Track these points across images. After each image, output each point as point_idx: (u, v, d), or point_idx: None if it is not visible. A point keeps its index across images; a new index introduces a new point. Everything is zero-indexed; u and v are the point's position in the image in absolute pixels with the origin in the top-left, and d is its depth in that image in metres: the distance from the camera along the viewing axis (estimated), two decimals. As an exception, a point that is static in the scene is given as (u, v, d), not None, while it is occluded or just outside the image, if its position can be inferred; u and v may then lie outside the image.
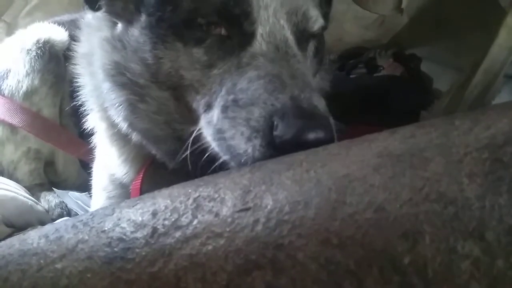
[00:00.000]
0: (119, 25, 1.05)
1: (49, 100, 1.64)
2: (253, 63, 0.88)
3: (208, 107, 0.92)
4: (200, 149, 0.93)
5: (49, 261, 0.78)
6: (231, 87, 0.88)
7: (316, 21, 0.99)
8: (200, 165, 0.93)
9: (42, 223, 1.45)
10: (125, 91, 1.03)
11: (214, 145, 0.90)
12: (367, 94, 1.81)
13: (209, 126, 0.91)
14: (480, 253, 0.46)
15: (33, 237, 0.86)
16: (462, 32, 1.69)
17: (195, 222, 0.68)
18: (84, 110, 1.22)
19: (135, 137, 1.08)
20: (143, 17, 0.99)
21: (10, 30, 2.01)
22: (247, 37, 0.91)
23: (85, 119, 1.25)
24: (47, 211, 1.62)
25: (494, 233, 0.46)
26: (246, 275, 0.59)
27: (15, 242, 0.88)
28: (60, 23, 1.73)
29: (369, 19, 1.81)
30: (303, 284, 0.54)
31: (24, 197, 1.53)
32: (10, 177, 1.65)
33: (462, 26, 1.67)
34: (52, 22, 1.76)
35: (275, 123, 0.80)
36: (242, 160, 0.85)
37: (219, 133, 0.88)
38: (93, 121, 1.24)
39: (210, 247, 0.64)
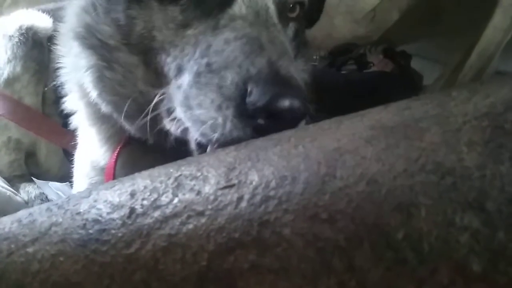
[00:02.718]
0: None
1: (32, 88, 1.59)
2: (231, 24, 0.84)
3: (179, 71, 0.87)
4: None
5: (20, 245, 0.74)
6: (206, 48, 0.83)
7: None
8: (171, 143, 0.89)
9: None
10: (94, 56, 0.99)
11: (182, 116, 0.84)
12: (357, 90, 1.80)
13: (178, 92, 0.85)
14: (480, 225, 0.43)
15: (5, 222, 0.81)
16: (453, 29, 1.68)
17: (175, 201, 0.64)
18: (64, 92, 1.18)
19: (104, 107, 1.03)
20: None
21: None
22: None
23: (64, 101, 1.21)
24: (27, 202, 1.57)
25: (495, 203, 0.43)
26: (229, 254, 0.55)
27: (-14, 228, 0.84)
28: (45, 11, 1.69)
29: (360, 13, 1.80)
30: (289, 262, 0.51)
31: (3, 187, 1.48)
32: (-11, 168, 1.60)
33: (452, 22, 1.66)
34: (36, 10, 1.71)
35: (249, 89, 0.74)
36: (210, 135, 0.79)
37: (187, 99, 0.82)
38: (72, 102, 1.20)
39: (190, 226, 0.60)
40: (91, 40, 0.98)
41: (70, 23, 1.06)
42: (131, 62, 0.95)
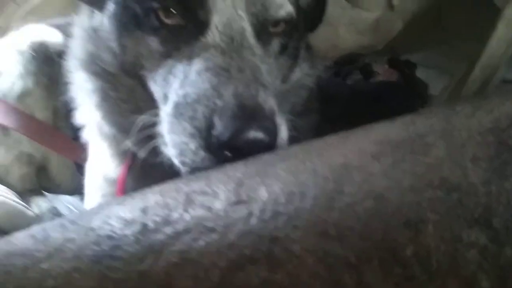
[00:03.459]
0: (96, 15, 1.05)
1: (43, 103, 1.61)
2: (203, 54, 0.86)
3: (165, 98, 0.90)
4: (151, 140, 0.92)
5: (35, 261, 0.75)
6: (183, 79, 0.86)
7: (280, 7, 0.94)
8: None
9: (31, 228, 1.41)
10: (98, 81, 1.04)
11: (166, 141, 0.88)
12: (363, 99, 1.81)
13: (164, 119, 0.89)
14: (487, 241, 0.44)
15: (19, 238, 0.83)
16: (457, 38, 1.69)
17: (186, 217, 0.65)
18: (74, 106, 1.21)
19: (108, 130, 1.08)
20: (111, 6, 0.99)
21: (2, 33, 1.99)
22: (201, 27, 0.88)
23: (75, 115, 1.24)
24: (38, 216, 1.58)
25: (502, 220, 0.43)
26: (240, 271, 0.56)
27: (1, 243, 0.85)
28: (55, 26, 1.72)
29: (364, 24, 1.81)
30: (300, 278, 0.51)
31: (14, 202, 1.50)
32: (1, 181, 1.61)
33: (457, 32, 1.67)
34: (46, 25, 1.74)
35: (215, 123, 0.78)
36: (185, 161, 0.84)
37: (170, 127, 0.86)
38: (82, 116, 1.23)
39: (202, 243, 0.61)
40: (95, 67, 1.04)
41: (75, 48, 1.12)
42: (131, 84, 1.01)
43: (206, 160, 0.81)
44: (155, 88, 0.94)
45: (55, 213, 1.63)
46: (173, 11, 0.89)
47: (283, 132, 0.85)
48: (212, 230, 0.61)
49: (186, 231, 0.64)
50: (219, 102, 0.79)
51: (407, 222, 0.48)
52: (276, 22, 0.96)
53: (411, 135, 0.55)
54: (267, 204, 0.58)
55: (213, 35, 0.87)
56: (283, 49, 0.99)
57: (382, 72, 2.02)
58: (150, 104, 0.96)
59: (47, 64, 1.61)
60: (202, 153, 0.81)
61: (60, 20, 1.76)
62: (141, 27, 0.92)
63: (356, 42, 1.98)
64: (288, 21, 0.97)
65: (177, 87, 0.87)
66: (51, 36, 1.65)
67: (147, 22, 0.91)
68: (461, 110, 0.54)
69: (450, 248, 0.44)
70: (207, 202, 0.65)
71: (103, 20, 1.01)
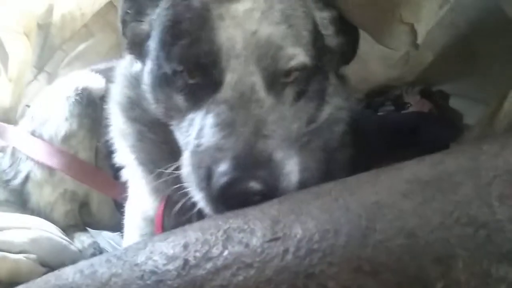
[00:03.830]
0: (137, 65, 1.16)
1: (86, 144, 1.69)
2: (215, 110, 0.93)
3: (187, 148, 0.99)
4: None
5: (84, 296, 0.80)
6: (199, 131, 0.95)
7: (291, 59, 0.98)
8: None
9: (76, 263, 1.47)
10: (136, 124, 1.16)
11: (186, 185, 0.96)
12: (395, 130, 1.80)
13: (183, 166, 0.97)
14: (517, 276, 0.45)
15: (68, 273, 0.88)
16: (489, 67, 1.68)
17: (225, 253, 0.69)
18: (114, 147, 1.30)
19: (138, 169, 1.18)
20: (149, 62, 1.09)
21: (51, 79, 2.13)
22: (216, 85, 0.95)
23: (115, 155, 1.30)
24: (81, 251, 1.64)
25: (530, 256, 0.45)
26: (277, 305, 0.59)
27: (51, 278, 0.90)
28: (98, 71, 1.82)
29: (394, 58, 1.82)
30: (335, 313, 0.54)
31: (59, 237, 1.56)
32: (46, 218, 1.68)
33: (488, 61, 1.66)
34: (90, 71, 1.85)
35: (214, 172, 0.85)
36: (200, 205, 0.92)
37: (185, 176, 0.95)
38: (121, 156, 1.31)
39: (240, 278, 0.64)
40: (133, 112, 1.16)
41: (115, 93, 1.24)
42: (168, 130, 1.09)
43: (211, 207, 0.89)
44: (181, 137, 1.03)
45: (97, 248, 1.68)
46: (194, 72, 0.98)
47: (292, 178, 0.90)
48: (250, 266, 0.64)
49: (226, 266, 0.67)
50: (218, 155, 0.86)
51: (438, 258, 0.49)
52: (288, 72, 1.00)
53: (440, 174, 0.57)
54: (302, 241, 0.61)
55: (225, 92, 0.94)
56: (300, 95, 1.03)
57: (414, 103, 1.99)
58: (178, 152, 1.04)
59: (90, 108, 1.70)
60: (207, 201, 0.89)
61: (103, 66, 1.87)
62: (170, 85, 1.02)
63: (386, 75, 1.98)
64: (301, 69, 1.01)
65: (194, 137, 0.95)
66: (94, 81, 1.76)
67: (174, 80, 1.01)
68: (488, 149, 0.56)
69: (481, 283, 0.46)
70: (244, 239, 0.68)
71: (144, 73, 1.11)
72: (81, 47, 2.12)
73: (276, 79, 0.98)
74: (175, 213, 1.15)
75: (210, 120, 0.93)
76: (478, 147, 0.58)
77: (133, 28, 1.14)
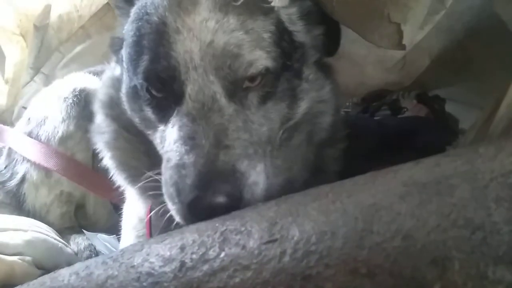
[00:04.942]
0: (119, 68, 1.18)
1: (83, 145, 1.69)
2: (177, 123, 0.96)
3: (159, 161, 1.01)
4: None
5: (79, 298, 0.79)
6: (167, 146, 0.97)
7: (251, 65, 0.98)
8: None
9: (71, 265, 1.46)
10: (114, 124, 1.18)
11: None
12: (392, 134, 1.81)
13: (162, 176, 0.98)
14: (513, 278, 0.45)
15: (64, 275, 0.88)
16: (485, 72, 1.68)
17: (222, 255, 0.69)
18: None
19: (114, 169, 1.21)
20: (125, 75, 1.12)
21: (48, 81, 2.13)
22: (178, 98, 0.96)
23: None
24: (76, 253, 1.64)
25: (526, 258, 0.45)
26: (274, 307, 0.59)
27: (47, 280, 0.90)
28: (95, 73, 1.83)
29: (391, 62, 1.83)
30: (332, 315, 0.54)
31: (55, 239, 1.55)
32: (42, 220, 1.68)
33: (484, 66, 1.67)
34: (87, 72, 1.85)
35: (181, 190, 0.88)
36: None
37: (162, 188, 0.96)
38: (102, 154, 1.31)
39: (237, 280, 0.64)
40: (112, 110, 1.18)
41: (99, 91, 1.28)
42: (139, 141, 1.14)
43: (184, 219, 0.91)
44: (158, 146, 1.05)
45: (92, 251, 1.68)
46: (156, 87, 1.00)
47: (256, 189, 0.92)
48: (247, 267, 0.65)
49: (222, 268, 0.67)
50: (183, 171, 0.89)
51: (434, 260, 0.50)
52: (251, 78, 1.00)
53: (436, 177, 0.57)
54: (299, 243, 0.61)
55: (186, 104, 0.95)
56: (265, 98, 1.03)
57: (411, 107, 2.01)
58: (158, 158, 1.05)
59: (88, 109, 1.70)
60: (178, 217, 0.92)
61: (100, 67, 1.87)
62: (140, 98, 1.05)
63: (383, 79, 1.99)
64: (264, 73, 1.01)
65: (165, 151, 0.98)
66: (91, 82, 1.76)
67: (143, 94, 1.03)
68: (484, 153, 0.57)
69: (477, 285, 0.46)
70: (241, 241, 0.68)
71: (123, 77, 1.14)
72: (78, 48, 2.12)
73: (237, 87, 0.98)
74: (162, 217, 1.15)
75: (174, 134, 0.95)
76: (475, 151, 0.58)
77: (113, 34, 1.19)
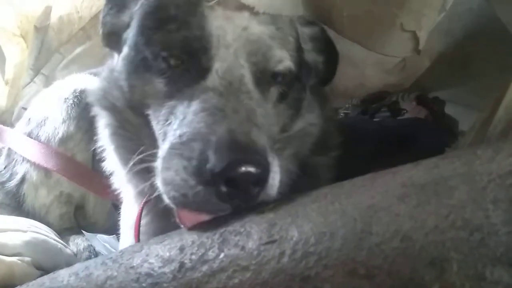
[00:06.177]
0: (115, 58, 1.15)
1: (83, 146, 1.69)
2: (201, 96, 0.91)
3: (164, 137, 0.94)
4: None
5: (78, 298, 0.80)
6: (182, 120, 0.91)
7: (280, 62, 0.99)
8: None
9: (70, 266, 1.46)
10: (108, 116, 1.14)
11: (158, 180, 0.90)
12: (391, 136, 1.81)
13: (159, 158, 0.92)
14: (510, 279, 0.45)
15: (63, 275, 0.88)
16: (485, 74, 1.69)
17: (221, 256, 0.69)
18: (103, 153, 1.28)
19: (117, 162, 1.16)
20: (125, 49, 1.08)
21: (48, 82, 2.13)
22: (203, 72, 0.94)
23: (105, 159, 1.30)
24: (75, 254, 1.63)
25: (523, 259, 0.45)
26: (273, 308, 0.59)
27: (46, 280, 0.90)
28: (95, 74, 1.83)
29: (390, 64, 1.83)
30: (330, 316, 0.54)
31: (54, 240, 1.56)
32: (41, 220, 1.68)
33: (484, 68, 1.67)
34: (88, 74, 1.85)
35: (209, 157, 0.79)
36: (179, 200, 0.84)
37: (162, 166, 0.88)
38: (110, 163, 1.29)
39: (236, 281, 0.65)
40: (105, 102, 1.13)
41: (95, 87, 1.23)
42: (137, 123, 1.07)
43: (201, 198, 0.81)
44: (157, 126, 0.99)
45: (92, 251, 1.68)
46: (179, 57, 0.96)
47: (275, 170, 0.86)
48: (246, 268, 0.65)
49: (221, 269, 0.67)
50: (213, 138, 0.82)
51: (433, 261, 0.50)
52: (275, 75, 1.01)
53: (435, 178, 0.58)
54: (298, 243, 0.61)
55: (213, 79, 0.93)
56: (282, 97, 1.04)
57: (410, 109, 2.01)
58: (154, 143, 1.00)
59: (87, 110, 1.70)
60: (198, 191, 0.81)
61: (100, 69, 1.87)
62: (149, 70, 1.00)
63: (383, 81, 1.99)
64: (286, 74, 1.02)
65: (176, 127, 0.91)
66: (92, 83, 1.75)
67: (155, 65, 0.98)
68: (482, 154, 0.57)
69: (475, 286, 0.46)
70: (241, 242, 0.69)
71: (118, 62, 1.11)
72: (78, 50, 2.12)
73: (263, 77, 0.99)
74: (158, 218, 1.15)
75: (195, 107, 0.90)
76: (473, 152, 0.59)
77: (112, 22, 1.13)
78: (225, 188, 0.78)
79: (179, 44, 0.96)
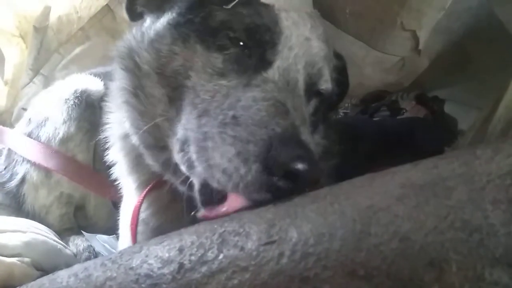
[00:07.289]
0: (147, 21, 1.13)
1: (84, 146, 1.69)
2: (262, 85, 0.91)
3: (204, 114, 0.91)
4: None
5: (78, 299, 0.80)
6: (234, 102, 0.88)
7: (327, 81, 1.05)
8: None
9: (70, 267, 1.46)
10: (126, 79, 1.09)
11: (193, 156, 0.88)
12: (391, 135, 1.81)
13: (197, 132, 0.89)
14: (509, 280, 0.45)
15: (63, 276, 0.88)
16: (484, 73, 1.69)
17: (220, 256, 0.69)
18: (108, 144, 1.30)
19: (134, 139, 1.12)
20: (172, 15, 1.06)
21: (47, 82, 2.13)
22: (265, 63, 0.96)
23: (107, 151, 1.31)
24: (75, 255, 1.63)
25: (522, 259, 0.45)
26: (272, 309, 0.59)
27: (45, 281, 0.90)
28: (96, 75, 1.82)
29: (389, 63, 1.83)
30: (330, 316, 0.54)
31: (54, 240, 1.55)
32: (41, 221, 1.68)
33: (483, 66, 1.67)
34: (88, 74, 1.85)
35: (274, 146, 0.78)
36: (227, 183, 0.81)
37: (206, 143, 0.86)
38: (113, 153, 1.31)
39: (235, 281, 0.64)
40: (128, 61, 1.10)
41: (115, 72, 1.18)
42: (155, 95, 1.04)
43: (253, 185, 0.79)
44: (196, 100, 0.94)
45: (91, 252, 1.68)
46: (244, 41, 0.97)
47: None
48: (245, 269, 0.65)
49: (221, 270, 0.67)
50: (278, 129, 0.81)
51: (432, 262, 0.50)
52: (318, 92, 1.06)
53: (434, 179, 0.58)
54: (297, 244, 0.61)
55: (273, 73, 0.95)
56: (315, 111, 1.08)
57: (410, 108, 2.01)
58: (177, 116, 0.98)
59: (88, 110, 1.70)
60: (253, 176, 0.79)
61: (101, 69, 1.87)
62: (203, 43, 0.98)
63: (382, 80, 1.99)
64: (325, 94, 1.08)
65: (226, 107, 0.88)
66: (92, 84, 1.76)
67: (214, 40, 0.98)
68: (481, 155, 0.57)
69: (474, 287, 0.46)
70: (240, 242, 0.68)
71: (157, 25, 1.08)
72: (77, 50, 2.13)
73: (310, 89, 1.03)
74: (157, 209, 1.14)
75: (255, 93, 0.89)
76: (472, 152, 0.59)
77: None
78: (282, 180, 0.77)
79: (248, 30, 0.97)
